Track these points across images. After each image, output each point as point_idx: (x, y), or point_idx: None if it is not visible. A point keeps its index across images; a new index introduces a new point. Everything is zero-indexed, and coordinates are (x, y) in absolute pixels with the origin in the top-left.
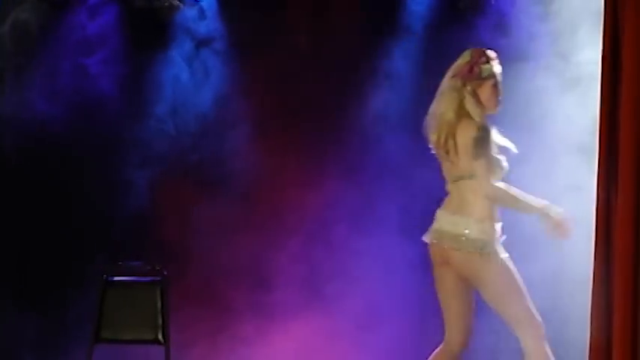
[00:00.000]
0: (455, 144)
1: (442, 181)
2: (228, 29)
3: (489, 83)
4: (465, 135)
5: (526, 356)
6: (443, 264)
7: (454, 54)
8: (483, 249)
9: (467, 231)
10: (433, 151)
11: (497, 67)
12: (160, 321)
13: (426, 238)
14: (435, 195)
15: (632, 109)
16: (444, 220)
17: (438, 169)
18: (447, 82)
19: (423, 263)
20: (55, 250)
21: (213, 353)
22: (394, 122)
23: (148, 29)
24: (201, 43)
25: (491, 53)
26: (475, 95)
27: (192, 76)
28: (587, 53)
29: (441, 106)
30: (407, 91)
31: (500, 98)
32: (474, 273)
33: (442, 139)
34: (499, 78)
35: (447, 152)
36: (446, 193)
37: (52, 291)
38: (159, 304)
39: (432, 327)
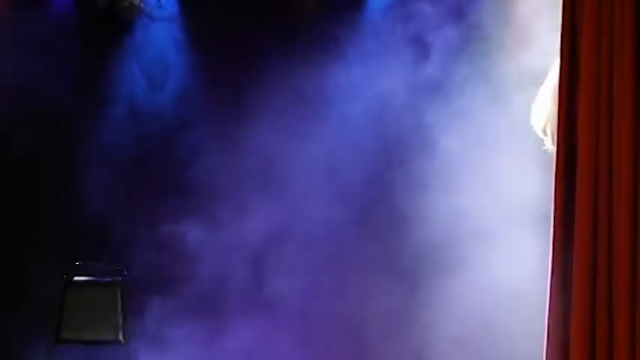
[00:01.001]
0: None
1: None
2: (189, 29)
3: None
4: None
5: None
6: None
7: None
8: None
9: None
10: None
11: None
12: (120, 321)
13: None
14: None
15: (590, 110)
16: None
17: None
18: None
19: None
20: (14, 251)
21: (169, 353)
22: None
23: (108, 29)
24: (161, 42)
25: None
26: None
27: (151, 77)
28: None
29: (548, 102)
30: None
31: None
32: None
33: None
34: None
35: None
36: None
37: (12, 292)
38: (119, 305)
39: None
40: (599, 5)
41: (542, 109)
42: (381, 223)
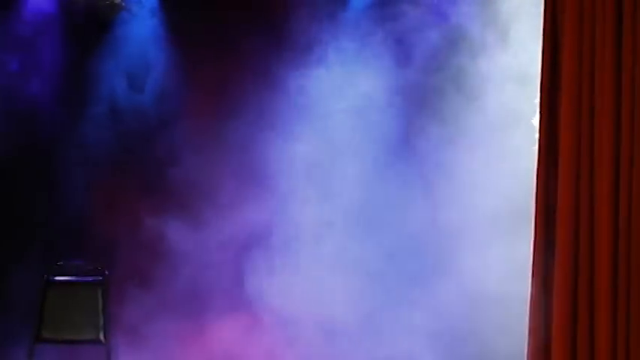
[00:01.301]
0: None
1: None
2: (169, 26)
3: None
4: None
5: None
6: None
7: None
8: None
9: None
10: None
11: None
12: (101, 321)
13: None
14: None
15: (572, 109)
16: None
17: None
18: None
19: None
20: None
21: (150, 352)
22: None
23: (89, 28)
24: (142, 40)
25: None
26: None
27: (133, 75)
28: None
29: None
30: None
31: None
32: None
33: None
34: None
35: None
36: None
37: None
38: (100, 304)
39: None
40: (580, 5)
41: None
42: (362, 222)
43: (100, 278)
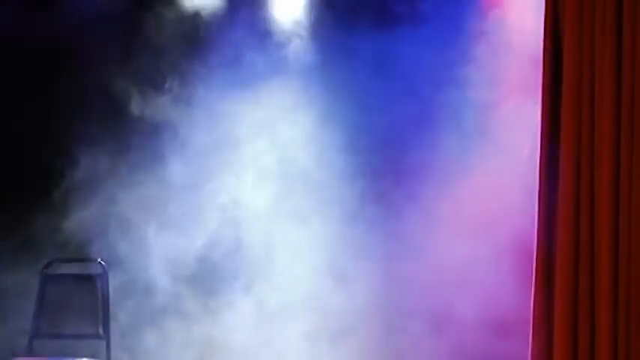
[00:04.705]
0: None
1: None
2: None
3: None
4: None
5: None
6: None
7: None
8: None
9: None
10: None
11: None
12: (100, 315)
13: None
14: None
15: (573, 111)
16: None
17: None
18: None
19: None
20: None
21: (148, 347)
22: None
23: None
24: None
25: None
26: None
27: None
28: None
29: None
30: None
31: None
32: None
33: None
34: None
35: None
36: None
37: None
38: (99, 298)
39: None
40: (580, 7)
41: None
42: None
43: (99, 272)
